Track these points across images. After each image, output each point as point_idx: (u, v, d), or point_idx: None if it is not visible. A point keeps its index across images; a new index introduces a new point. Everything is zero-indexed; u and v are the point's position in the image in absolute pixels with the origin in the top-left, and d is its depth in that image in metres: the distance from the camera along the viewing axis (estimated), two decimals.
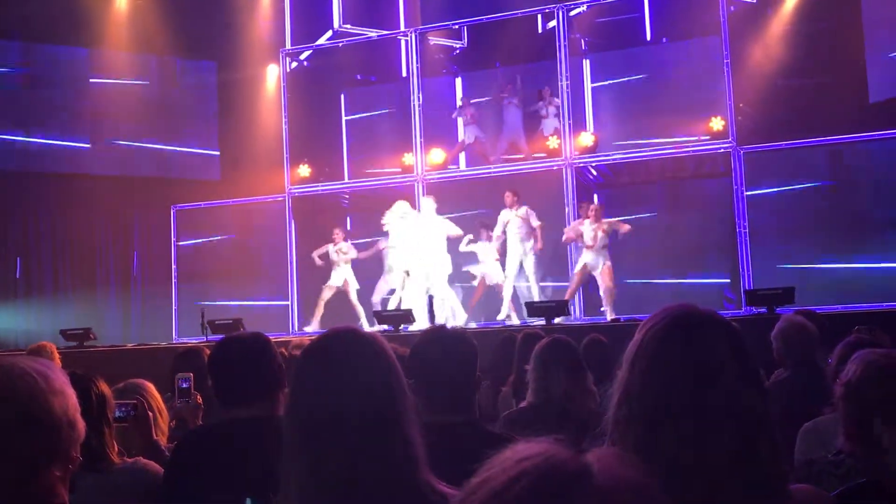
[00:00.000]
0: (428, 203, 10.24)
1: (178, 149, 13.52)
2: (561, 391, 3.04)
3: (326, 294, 10.71)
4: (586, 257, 9.57)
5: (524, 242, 9.90)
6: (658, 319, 1.35)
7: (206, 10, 13.04)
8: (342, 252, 10.72)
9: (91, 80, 13.02)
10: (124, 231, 13.17)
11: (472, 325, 9.93)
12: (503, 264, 10.21)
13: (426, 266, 9.92)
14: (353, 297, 10.67)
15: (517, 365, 4.13)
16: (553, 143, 10.93)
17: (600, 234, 9.46)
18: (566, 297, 9.50)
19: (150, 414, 2.83)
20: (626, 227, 9.69)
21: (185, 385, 3.29)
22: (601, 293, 9.73)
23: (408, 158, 11.51)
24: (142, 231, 13.33)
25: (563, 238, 10.09)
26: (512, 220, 9.89)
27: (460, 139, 11.91)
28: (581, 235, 9.64)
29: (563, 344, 3.19)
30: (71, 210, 12.69)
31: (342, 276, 10.70)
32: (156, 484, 2.49)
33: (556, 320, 8.64)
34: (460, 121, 11.84)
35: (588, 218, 9.59)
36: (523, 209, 9.89)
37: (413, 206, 10.55)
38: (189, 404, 3.29)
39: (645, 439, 1.28)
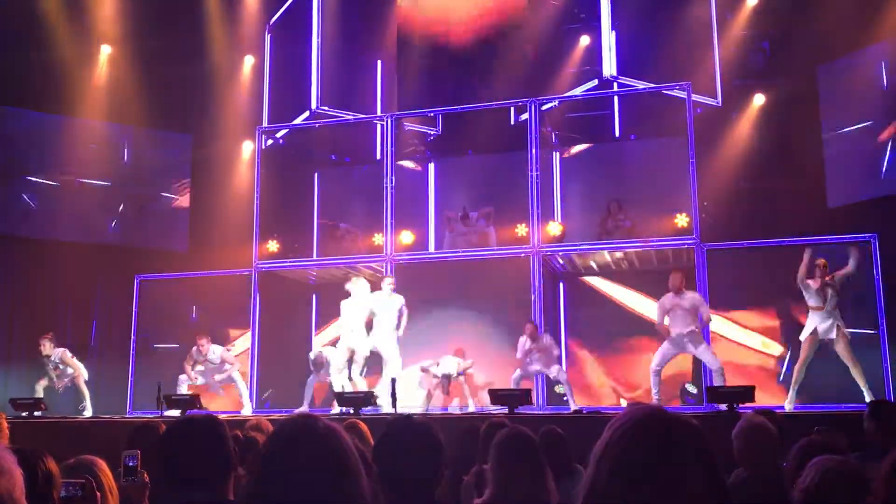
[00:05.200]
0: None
1: (146, 218, 13.50)
2: (519, 488, 2.99)
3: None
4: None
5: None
6: (625, 420, 1.36)
7: (186, 84, 13.24)
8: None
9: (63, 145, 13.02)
10: (85, 299, 12.94)
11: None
12: None
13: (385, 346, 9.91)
14: None
15: (480, 455, 4.08)
16: (521, 231, 11.08)
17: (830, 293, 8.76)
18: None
19: (99, 493, 2.74)
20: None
21: (131, 463, 3.18)
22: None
23: (378, 239, 11.58)
24: (103, 300, 13.12)
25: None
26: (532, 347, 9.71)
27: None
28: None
29: (522, 438, 3.14)
30: (31, 274, 12.47)
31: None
32: None
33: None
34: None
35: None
36: (543, 341, 9.72)
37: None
38: (135, 482, 3.19)
39: None
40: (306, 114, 12.36)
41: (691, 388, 10.96)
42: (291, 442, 1.59)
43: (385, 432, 2.38)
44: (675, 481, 1.29)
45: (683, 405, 10.75)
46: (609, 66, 11.27)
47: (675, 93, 10.73)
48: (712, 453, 1.35)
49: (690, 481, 1.30)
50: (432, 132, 13.09)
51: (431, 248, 12.51)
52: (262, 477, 1.55)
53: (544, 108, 11.47)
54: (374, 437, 4.48)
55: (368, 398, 9.13)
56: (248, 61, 13.93)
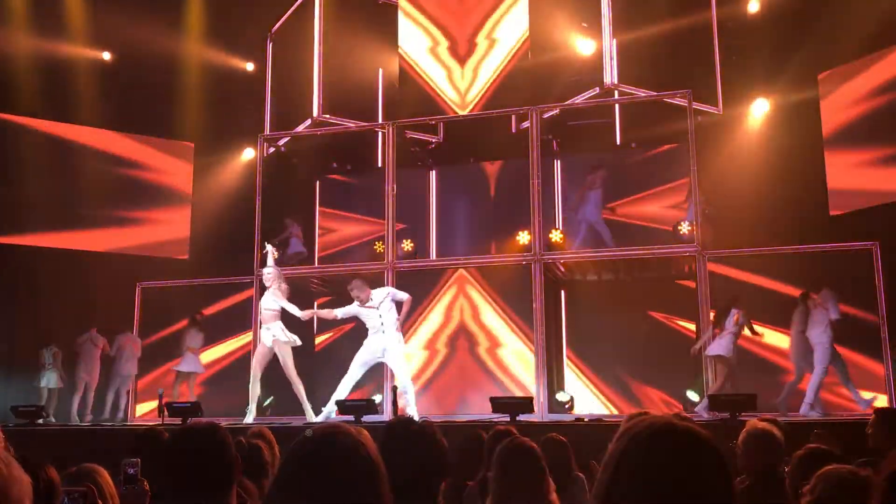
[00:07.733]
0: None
1: (147, 226, 13.51)
2: (520, 500, 2.98)
3: None
4: None
5: None
6: (641, 430, 1.34)
7: (187, 92, 13.26)
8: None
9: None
10: (86, 307, 12.90)
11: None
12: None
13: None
14: None
15: (485, 462, 4.07)
16: (524, 238, 11.08)
17: None
18: None
19: (100, 502, 2.73)
20: None
21: (132, 471, 3.18)
22: None
23: (378, 246, 11.58)
24: (104, 307, 13.09)
25: None
26: None
27: (291, 251, 12.63)
28: None
29: (525, 450, 3.11)
30: (31, 283, 12.46)
31: None
32: None
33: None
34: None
35: None
36: None
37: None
38: (136, 490, 3.18)
39: None
40: (308, 121, 12.37)
41: (692, 396, 10.93)
42: (312, 457, 1.52)
43: (386, 436, 2.36)
44: (696, 496, 1.28)
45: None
46: (610, 74, 11.28)
47: (676, 100, 10.74)
48: (730, 468, 1.34)
49: (711, 495, 1.29)
50: (434, 139, 13.09)
51: (433, 255, 12.51)
52: (281, 489, 1.50)
53: (545, 115, 11.47)
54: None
55: (370, 406, 9.11)
56: (250, 68, 13.95)
